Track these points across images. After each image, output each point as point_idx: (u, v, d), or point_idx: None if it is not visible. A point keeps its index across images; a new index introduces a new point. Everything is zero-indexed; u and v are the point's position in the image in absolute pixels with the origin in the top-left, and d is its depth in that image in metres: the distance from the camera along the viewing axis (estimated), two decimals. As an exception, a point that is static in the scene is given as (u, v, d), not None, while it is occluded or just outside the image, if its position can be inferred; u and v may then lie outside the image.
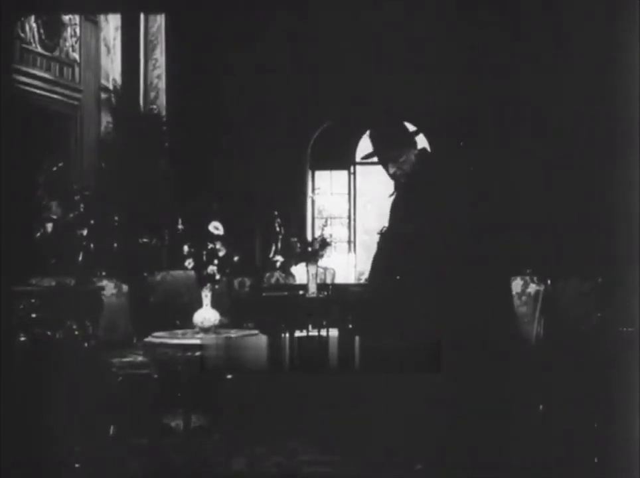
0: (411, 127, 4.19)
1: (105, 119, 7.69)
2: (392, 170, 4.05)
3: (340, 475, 4.43)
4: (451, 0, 8.61)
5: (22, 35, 6.38)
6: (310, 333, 5.27)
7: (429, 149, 4.35)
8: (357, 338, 3.98)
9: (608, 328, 5.58)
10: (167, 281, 6.45)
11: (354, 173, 11.70)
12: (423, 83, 9.35)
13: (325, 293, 7.14)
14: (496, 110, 9.29)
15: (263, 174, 9.85)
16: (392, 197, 4.12)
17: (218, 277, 4.82)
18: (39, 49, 6.61)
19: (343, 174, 11.65)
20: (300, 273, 8.21)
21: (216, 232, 4.71)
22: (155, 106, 8.51)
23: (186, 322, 5.24)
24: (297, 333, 4.91)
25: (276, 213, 9.81)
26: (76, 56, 7.17)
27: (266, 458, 4.69)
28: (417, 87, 9.42)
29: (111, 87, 7.78)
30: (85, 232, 5.18)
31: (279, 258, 9.45)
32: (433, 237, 3.84)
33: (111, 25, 7.82)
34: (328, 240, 7.26)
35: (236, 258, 4.84)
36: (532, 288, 5.39)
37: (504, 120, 9.29)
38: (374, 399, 3.85)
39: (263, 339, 4.42)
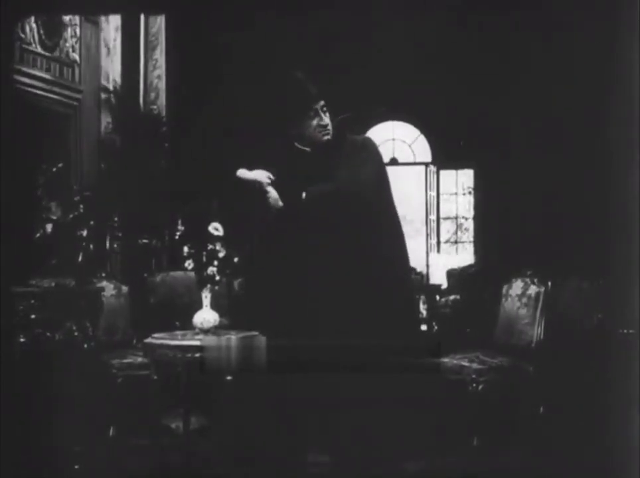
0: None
1: (105, 119, 7.68)
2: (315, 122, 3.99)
3: (339, 475, 4.43)
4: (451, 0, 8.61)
5: (22, 35, 6.37)
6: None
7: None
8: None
9: (608, 330, 5.58)
10: (167, 282, 6.44)
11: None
12: (424, 83, 9.35)
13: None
14: (496, 110, 9.29)
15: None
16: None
17: (218, 278, 4.82)
18: (39, 49, 6.60)
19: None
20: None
21: (216, 233, 4.70)
22: (154, 106, 8.50)
23: (186, 324, 5.24)
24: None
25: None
26: (76, 56, 7.16)
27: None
28: (417, 87, 9.42)
29: (111, 87, 7.77)
30: (85, 233, 5.16)
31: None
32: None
33: (111, 25, 7.82)
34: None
35: (236, 259, 4.83)
36: (533, 290, 5.38)
37: (503, 121, 9.29)
38: (370, 399, 3.84)
39: (263, 341, 4.41)
